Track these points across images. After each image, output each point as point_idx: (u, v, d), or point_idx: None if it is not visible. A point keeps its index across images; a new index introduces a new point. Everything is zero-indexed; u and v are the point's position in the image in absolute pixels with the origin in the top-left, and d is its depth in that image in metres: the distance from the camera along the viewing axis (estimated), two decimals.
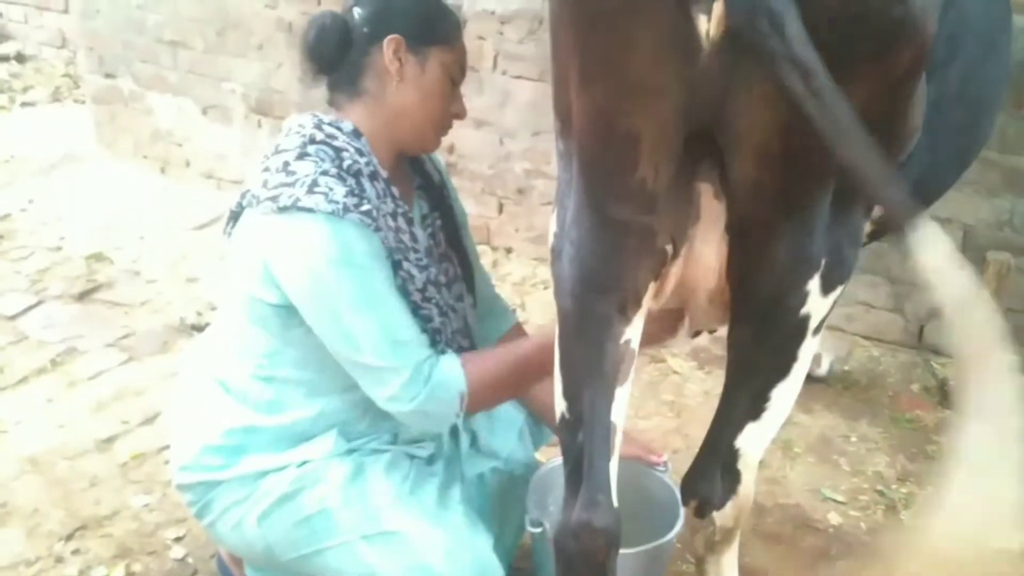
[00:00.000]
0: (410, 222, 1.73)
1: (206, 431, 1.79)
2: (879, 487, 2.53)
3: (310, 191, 1.58)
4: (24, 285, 3.51)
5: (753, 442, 1.59)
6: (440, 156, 2.01)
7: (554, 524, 1.85)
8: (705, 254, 1.36)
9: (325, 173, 1.61)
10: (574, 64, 1.24)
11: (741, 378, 1.55)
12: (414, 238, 1.73)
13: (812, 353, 1.48)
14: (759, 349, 1.47)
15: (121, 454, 2.59)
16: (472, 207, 3.42)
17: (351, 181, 1.63)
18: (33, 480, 2.47)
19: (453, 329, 1.82)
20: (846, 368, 3.12)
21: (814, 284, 1.37)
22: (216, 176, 4.45)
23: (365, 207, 1.61)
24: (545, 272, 3.56)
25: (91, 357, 3.06)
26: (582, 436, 1.44)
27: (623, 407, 1.43)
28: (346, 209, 1.59)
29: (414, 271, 1.71)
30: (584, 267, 1.36)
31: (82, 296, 3.46)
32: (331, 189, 1.59)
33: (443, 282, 1.81)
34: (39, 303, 3.40)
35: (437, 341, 1.75)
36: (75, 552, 2.22)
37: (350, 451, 1.79)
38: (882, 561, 1.65)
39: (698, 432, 2.71)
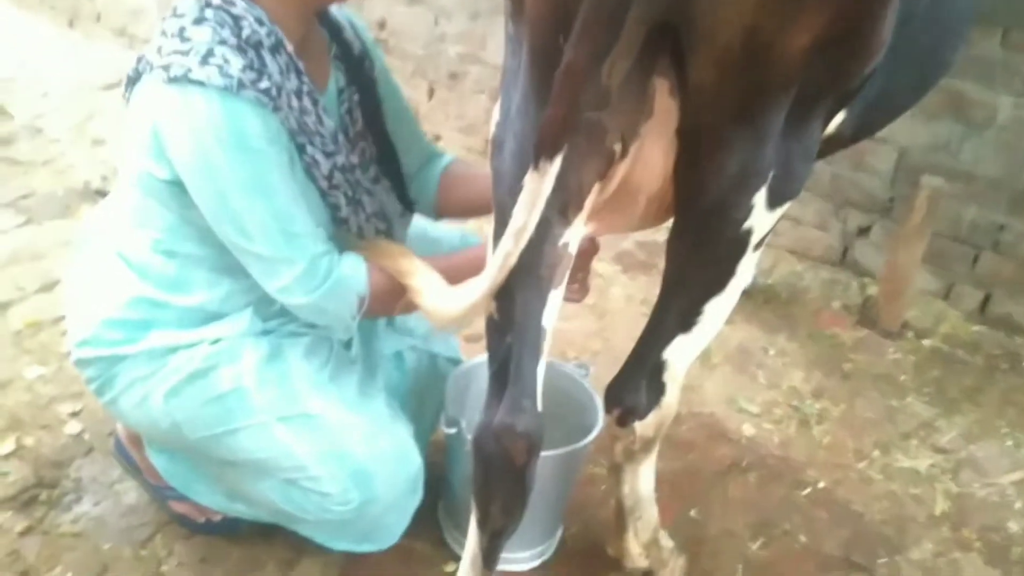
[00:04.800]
0: (316, 103, 1.60)
1: (107, 304, 1.67)
2: (794, 402, 2.55)
3: (204, 62, 1.44)
4: None
5: (681, 354, 1.55)
6: (369, 31, 1.86)
7: (471, 424, 1.84)
8: (654, 155, 1.29)
9: (223, 43, 1.46)
10: None
11: (676, 289, 1.50)
12: (320, 121, 1.60)
13: (751, 270, 1.44)
14: (697, 260, 1.43)
15: (14, 321, 2.45)
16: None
17: (251, 54, 1.48)
18: None
19: (368, 214, 1.72)
20: (769, 281, 3.11)
21: (760, 197, 1.32)
22: (128, 33, 4.19)
23: (264, 84, 1.48)
24: (474, 163, 3.45)
25: None
26: (511, 338, 1.38)
27: (554, 311, 1.38)
28: (241, 85, 1.45)
29: (319, 156, 1.60)
30: (527, 164, 1.27)
31: None
32: (227, 61, 1.45)
33: (355, 164, 1.70)
34: None
35: (348, 230, 1.66)
36: None
37: (266, 332, 1.71)
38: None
39: (619, 337, 2.76)
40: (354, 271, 1.60)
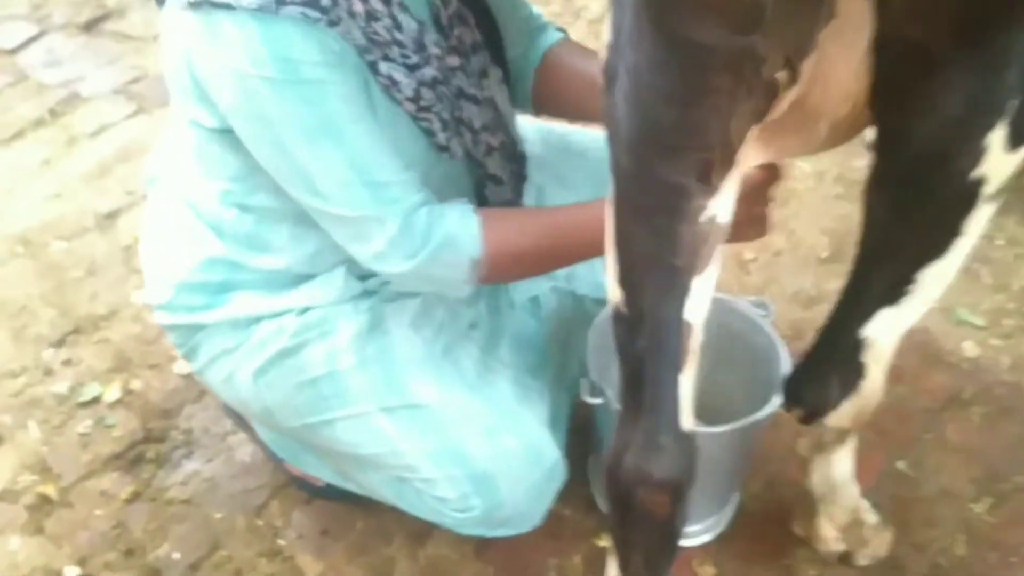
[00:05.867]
0: None
1: (181, 265, 1.40)
2: None
3: None
4: (24, 11, 3.04)
5: (887, 331, 1.20)
6: None
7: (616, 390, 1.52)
8: (838, 72, 0.88)
9: None
10: None
11: (880, 253, 1.13)
12: (395, 23, 1.20)
13: (982, 227, 1.05)
14: (908, 218, 1.05)
15: (124, 234, 2.23)
16: None
17: None
18: (24, 266, 2.15)
19: (475, 129, 1.34)
20: None
21: (996, 137, 0.92)
22: None
23: None
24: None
25: (94, 107, 2.64)
26: (642, 342, 1.01)
27: (704, 300, 1.01)
28: (280, 1, 1.07)
29: (399, 74, 1.21)
30: (646, 111, 0.86)
31: (88, 26, 2.98)
32: None
33: (453, 67, 1.30)
34: (41, 34, 2.94)
35: (450, 157, 1.30)
36: (66, 363, 1.93)
37: (365, 294, 1.39)
38: None
39: (808, 229, 2.29)
40: (463, 226, 1.24)
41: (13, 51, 2.88)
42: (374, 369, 1.35)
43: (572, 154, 1.59)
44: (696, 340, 1.01)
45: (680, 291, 0.96)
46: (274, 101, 1.11)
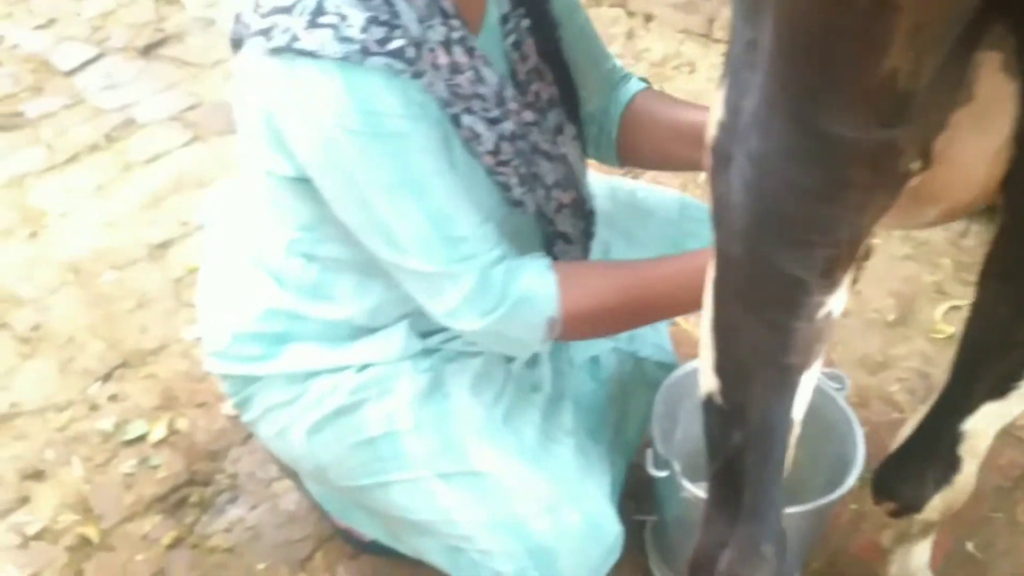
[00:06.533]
0: (471, 52, 1.16)
1: (239, 314, 1.35)
2: None
3: (312, 23, 1.04)
4: (83, 32, 3.04)
5: (988, 425, 1.13)
6: None
7: (684, 445, 1.43)
8: (967, 156, 0.81)
9: None
10: None
11: (994, 348, 1.05)
12: (479, 77, 1.16)
13: None
14: None
15: (175, 266, 2.21)
16: None
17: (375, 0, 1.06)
18: (73, 295, 2.12)
19: (548, 185, 1.29)
20: None
21: None
22: None
23: (397, 42, 1.05)
24: (694, 50, 2.90)
25: (150, 133, 2.62)
26: (740, 437, 0.95)
27: (808, 396, 0.94)
28: (365, 51, 1.03)
29: (480, 127, 1.17)
30: (771, 203, 0.79)
31: (147, 50, 2.98)
32: (343, 18, 1.03)
33: (529, 123, 1.26)
34: (99, 56, 2.94)
35: (523, 212, 1.26)
36: (112, 398, 1.89)
37: (425, 352, 1.35)
38: None
39: (873, 290, 2.20)
40: (541, 284, 1.19)
41: (70, 73, 2.88)
42: (432, 433, 1.30)
43: (640, 211, 1.55)
44: (795, 437, 0.95)
45: (790, 390, 0.90)
46: (355, 153, 1.07)
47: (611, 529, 1.33)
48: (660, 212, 1.54)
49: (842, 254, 0.80)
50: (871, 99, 0.67)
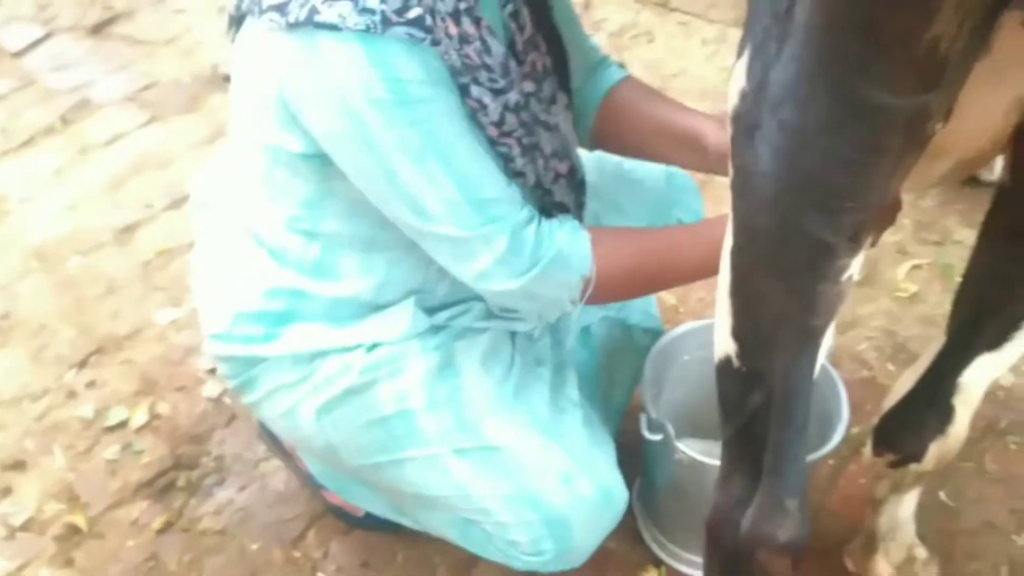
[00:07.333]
0: (478, 22, 1.16)
1: (240, 294, 1.34)
2: None
3: None
4: (30, 12, 2.96)
5: (983, 375, 1.16)
6: None
7: (670, 411, 1.46)
8: (978, 109, 0.83)
9: None
10: None
11: (996, 301, 1.09)
12: (485, 47, 1.17)
13: None
14: None
15: (142, 249, 2.17)
16: None
17: None
18: (40, 281, 2.09)
19: (547, 155, 1.30)
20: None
21: None
22: None
23: (415, 11, 1.05)
24: (651, 20, 2.92)
25: (106, 114, 2.57)
26: (759, 399, 0.98)
27: (824, 354, 0.97)
28: (386, 21, 1.04)
29: (487, 98, 1.17)
30: (806, 172, 0.81)
31: (97, 28, 2.91)
32: None
33: (529, 93, 1.27)
34: (47, 36, 2.87)
35: (522, 183, 1.26)
36: (89, 385, 1.87)
37: (433, 329, 1.35)
38: None
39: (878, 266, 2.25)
40: (575, 243, 1.22)
41: (18, 54, 2.81)
42: (445, 409, 1.31)
43: (627, 182, 1.56)
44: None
45: (813, 350, 0.92)
46: (381, 122, 1.07)
47: (620, 495, 1.36)
48: (647, 182, 1.56)
49: (869, 218, 0.83)
50: (915, 67, 0.68)
